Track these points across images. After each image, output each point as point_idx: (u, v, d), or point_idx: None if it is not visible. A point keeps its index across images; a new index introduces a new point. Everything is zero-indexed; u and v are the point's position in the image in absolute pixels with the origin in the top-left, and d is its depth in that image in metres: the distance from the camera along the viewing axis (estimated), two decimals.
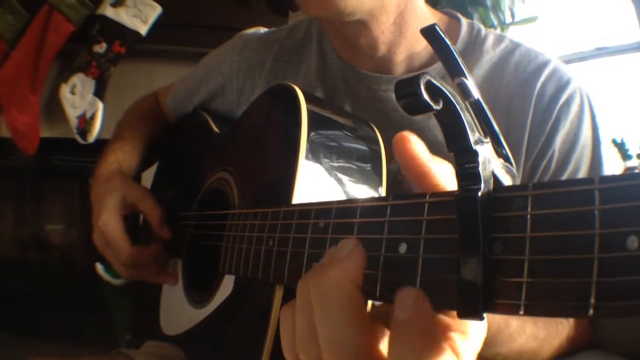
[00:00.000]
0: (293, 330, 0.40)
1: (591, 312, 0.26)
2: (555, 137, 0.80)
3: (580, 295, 0.27)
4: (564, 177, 0.81)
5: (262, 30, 1.09)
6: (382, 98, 0.88)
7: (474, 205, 0.32)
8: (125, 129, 1.12)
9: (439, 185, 0.39)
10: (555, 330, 0.72)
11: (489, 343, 0.57)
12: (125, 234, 0.89)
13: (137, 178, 1.07)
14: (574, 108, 0.81)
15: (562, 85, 0.82)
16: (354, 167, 0.65)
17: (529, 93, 0.82)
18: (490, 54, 0.86)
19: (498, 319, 0.57)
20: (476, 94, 0.37)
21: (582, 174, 0.81)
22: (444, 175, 0.39)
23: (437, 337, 0.33)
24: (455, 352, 0.34)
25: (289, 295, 0.56)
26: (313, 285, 0.37)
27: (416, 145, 0.39)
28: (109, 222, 0.89)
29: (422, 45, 0.87)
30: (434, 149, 0.83)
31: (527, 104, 0.81)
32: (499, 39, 0.88)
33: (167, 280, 0.92)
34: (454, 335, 0.35)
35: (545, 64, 0.84)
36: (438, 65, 0.86)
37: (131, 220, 0.93)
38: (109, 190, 0.93)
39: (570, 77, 0.83)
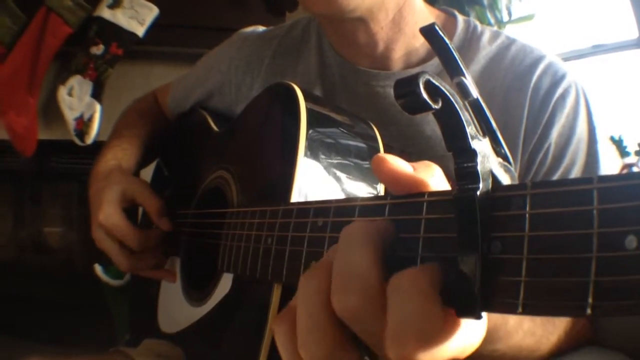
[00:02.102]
0: (292, 332, 0.40)
1: (589, 311, 0.26)
2: (551, 131, 0.81)
3: (578, 295, 0.27)
4: (560, 170, 0.82)
5: (261, 28, 1.09)
6: (381, 94, 0.88)
7: (472, 204, 0.32)
8: (124, 127, 1.12)
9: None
10: (553, 326, 0.72)
11: (486, 340, 0.57)
12: (129, 221, 0.89)
13: (135, 176, 1.07)
14: (570, 102, 0.82)
15: (558, 80, 0.83)
16: (352, 164, 0.65)
17: (525, 87, 0.83)
18: (486, 50, 0.87)
19: (496, 316, 0.57)
20: (475, 93, 0.37)
21: (577, 167, 0.82)
22: (433, 180, 0.40)
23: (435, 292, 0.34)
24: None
25: (288, 294, 0.56)
26: (343, 231, 0.39)
27: (394, 162, 0.39)
28: (110, 214, 0.89)
29: (420, 42, 0.87)
30: (432, 144, 0.84)
31: (523, 97, 0.82)
32: (495, 35, 0.89)
33: (165, 276, 0.92)
34: None
35: (540, 58, 0.85)
36: (436, 61, 0.86)
37: (129, 215, 0.93)
38: (107, 185, 0.93)
39: (565, 71, 0.84)
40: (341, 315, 0.37)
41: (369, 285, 0.35)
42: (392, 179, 0.39)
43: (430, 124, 0.84)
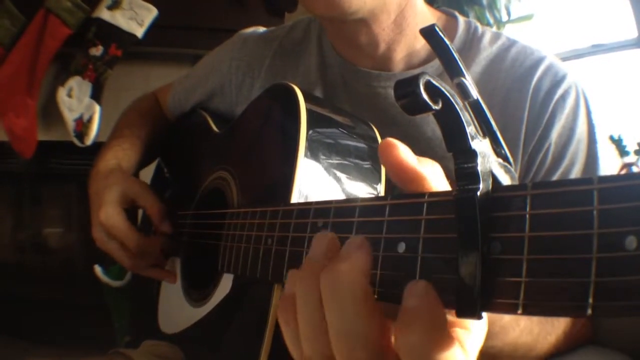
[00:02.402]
0: (295, 325, 0.40)
1: (589, 312, 0.26)
2: (551, 131, 0.81)
3: (578, 295, 0.27)
4: (560, 170, 0.82)
5: (261, 29, 1.09)
6: (381, 95, 0.88)
7: (472, 205, 0.32)
8: (124, 126, 1.12)
9: (430, 188, 0.39)
10: (551, 326, 0.72)
11: None
12: (130, 223, 0.89)
13: (135, 176, 1.07)
14: (570, 103, 0.82)
15: (558, 81, 0.83)
16: (352, 165, 0.65)
17: (525, 88, 0.83)
18: (487, 51, 0.87)
19: None
20: (475, 93, 0.37)
21: (577, 168, 0.82)
22: (434, 177, 0.40)
23: (444, 327, 0.33)
24: (461, 344, 0.34)
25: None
26: (324, 277, 0.37)
27: (402, 151, 0.39)
28: (110, 214, 0.89)
29: (421, 43, 0.87)
30: (433, 144, 0.84)
31: (524, 98, 0.82)
32: (496, 37, 0.89)
33: (166, 277, 0.92)
34: (457, 330, 0.36)
35: (541, 60, 0.85)
36: (436, 62, 0.86)
37: (129, 216, 0.93)
38: (108, 185, 0.93)
39: (565, 72, 0.84)
40: None
41: (372, 340, 0.35)
42: (396, 167, 0.39)
43: (430, 125, 0.84)
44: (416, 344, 0.33)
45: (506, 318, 0.62)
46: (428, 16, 0.89)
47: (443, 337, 0.33)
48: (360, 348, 0.35)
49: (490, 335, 0.60)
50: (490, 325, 0.58)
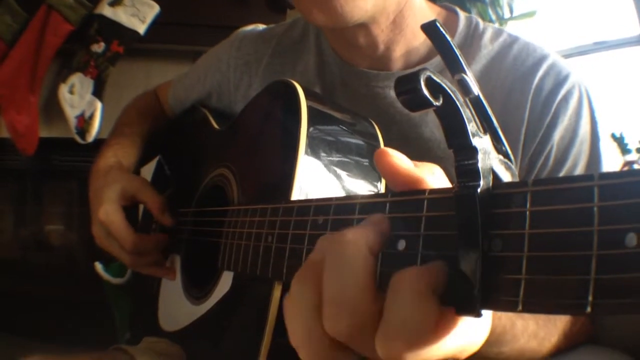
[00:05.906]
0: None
1: (589, 309, 0.26)
2: (553, 133, 0.80)
3: (578, 292, 0.27)
4: (562, 172, 0.80)
5: (261, 27, 1.09)
6: (380, 95, 0.88)
7: (473, 202, 0.32)
8: (124, 124, 1.12)
9: None
10: (554, 327, 0.72)
11: (493, 343, 0.57)
12: (127, 222, 0.89)
13: (136, 173, 1.07)
14: (573, 103, 0.81)
15: (561, 80, 0.81)
16: (353, 162, 0.65)
17: (527, 87, 0.81)
18: (488, 48, 0.86)
19: (504, 320, 0.57)
20: (476, 90, 0.37)
21: (580, 169, 0.81)
22: (433, 180, 0.40)
23: (433, 305, 0.33)
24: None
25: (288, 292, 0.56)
26: (331, 241, 0.38)
27: (396, 157, 0.39)
28: (109, 212, 0.89)
29: (420, 40, 0.87)
30: (431, 145, 0.83)
31: (525, 98, 0.81)
32: (497, 33, 0.88)
33: (165, 274, 0.92)
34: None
35: (543, 58, 0.83)
36: (436, 60, 0.85)
37: (129, 213, 0.93)
38: (107, 182, 0.93)
39: (569, 71, 0.82)
40: (336, 338, 0.36)
41: (360, 311, 0.35)
42: (392, 173, 0.39)
43: (429, 126, 0.83)
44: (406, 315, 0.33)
45: (518, 326, 0.62)
46: (427, 12, 0.88)
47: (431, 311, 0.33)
48: (346, 316, 0.35)
49: (501, 343, 0.60)
50: (503, 334, 0.58)
